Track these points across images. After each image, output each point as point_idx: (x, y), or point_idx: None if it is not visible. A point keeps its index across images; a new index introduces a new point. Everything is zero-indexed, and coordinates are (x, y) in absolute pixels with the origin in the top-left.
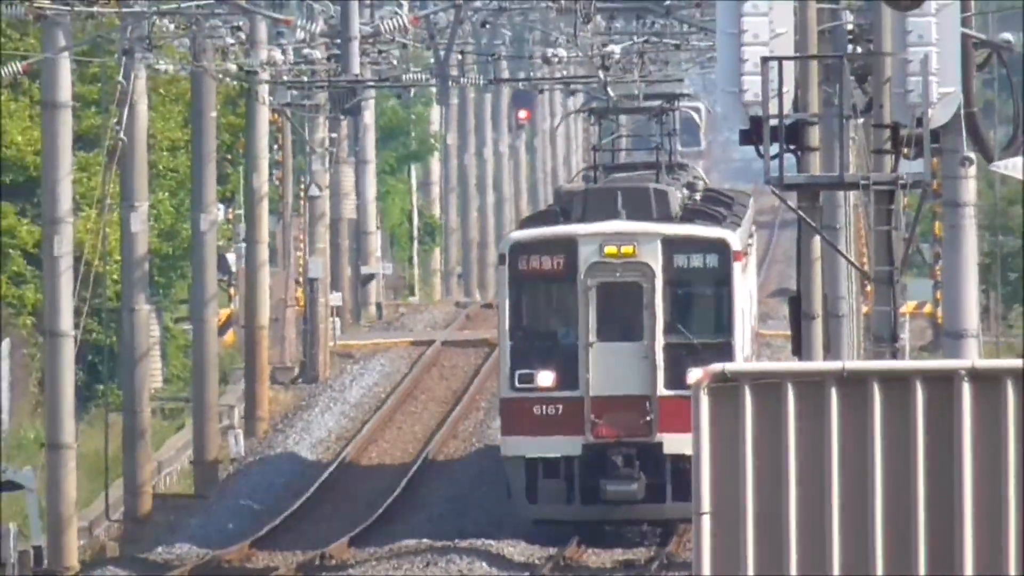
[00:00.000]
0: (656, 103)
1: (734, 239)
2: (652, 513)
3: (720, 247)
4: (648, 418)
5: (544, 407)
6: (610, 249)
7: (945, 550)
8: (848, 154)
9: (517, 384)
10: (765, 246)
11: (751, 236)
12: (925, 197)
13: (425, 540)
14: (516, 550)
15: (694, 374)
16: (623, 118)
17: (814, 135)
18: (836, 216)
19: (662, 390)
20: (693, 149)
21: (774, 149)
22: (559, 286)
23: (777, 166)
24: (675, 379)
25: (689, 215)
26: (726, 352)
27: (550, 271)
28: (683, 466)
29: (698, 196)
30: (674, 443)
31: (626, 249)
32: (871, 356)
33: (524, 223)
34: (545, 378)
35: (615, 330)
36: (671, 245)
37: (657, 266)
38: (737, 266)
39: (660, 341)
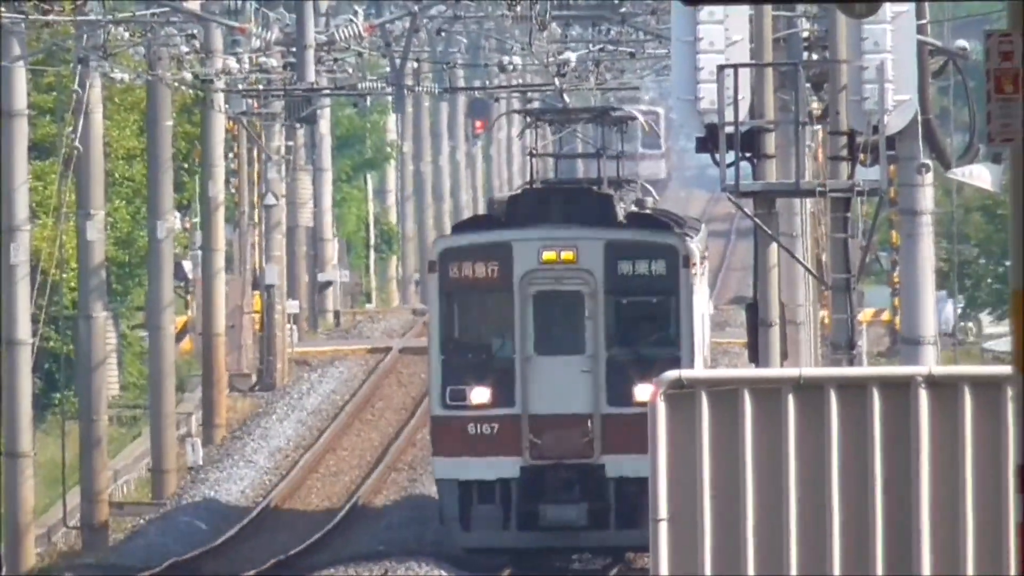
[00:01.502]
0: (600, 108)
1: (683, 245)
2: (595, 540)
3: (668, 253)
4: (590, 438)
5: (478, 426)
6: (548, 255)
7: (903, 554)
8: (804, 161)
9: (449, 401)
10: (721, 255)
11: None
12: (881, 204)
13: (377, 551)
14: (476, 557)
15: (641, 390)
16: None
17: (770, 142)
18: (793, 223)
19: (605, 407)
20: (655, 152)
21: (730, 157)
22: (493, 295)
23: (733, 173)
24: (619, 395)
25: (635, 220)
26: (674, 367)
27: (483, 279)
28: (628, 490)
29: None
30: (618, 465)
31: (566, 255)
32: (829, 363)
33: (456, 228)
34: (479, 394)
35: (554, 342)
36: (615, 250)
37: (600, 273)
38: (686, 273)
39: (603, 354)
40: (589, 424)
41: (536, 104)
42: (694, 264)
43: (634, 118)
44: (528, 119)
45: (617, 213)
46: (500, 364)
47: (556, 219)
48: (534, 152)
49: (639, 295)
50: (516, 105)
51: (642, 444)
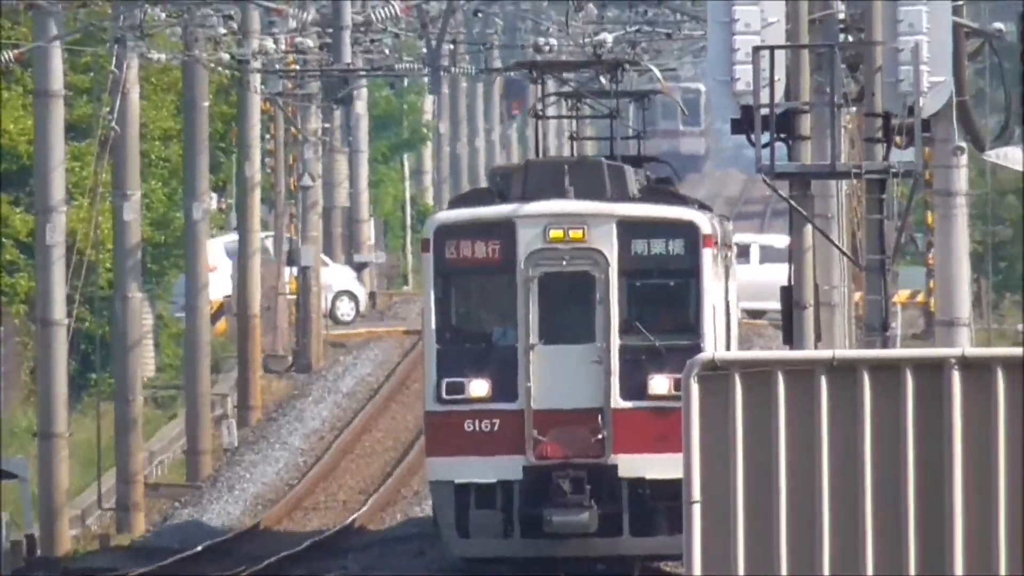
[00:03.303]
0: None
1: (703, 222)
2: (606, 548)
3: (686, 231)
4: (600, 435)
5: (477, 422)
6: (555, 233)
7: (935, 537)
8: (840, 143)
9: (444, 395)
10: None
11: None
12: (916, 186)
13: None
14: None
15: (657, 382)
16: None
17: (805, 124)
18: (828, 205)
19: (618, 402)
20: (694, 129)
21: (765, 138)
22: (494, 278)
23: (768, 155)
24: (633, 388)
25: (650, 195)
26: (693, 355)
27: (483, 260)
28: (642, 492)
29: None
30: (632, 465)
31: (574, 233)
32: (863, 345)
33: (453, 203)
34: (478, 387)
35: (562, 330)
36: (628, 228)
37: (612, 253)
38: (707, 253)
39: (615, 343)
40: (599, 420)
41: (572, 87)
42: (716, 243)
43: (656, 92)
44: (534, 74)
45: (631, 186)
46: (501, 354)
47: (564, 193)
48: (539, 114)
49: (655, 277)
50: (552, 87)
51: (658, 442)
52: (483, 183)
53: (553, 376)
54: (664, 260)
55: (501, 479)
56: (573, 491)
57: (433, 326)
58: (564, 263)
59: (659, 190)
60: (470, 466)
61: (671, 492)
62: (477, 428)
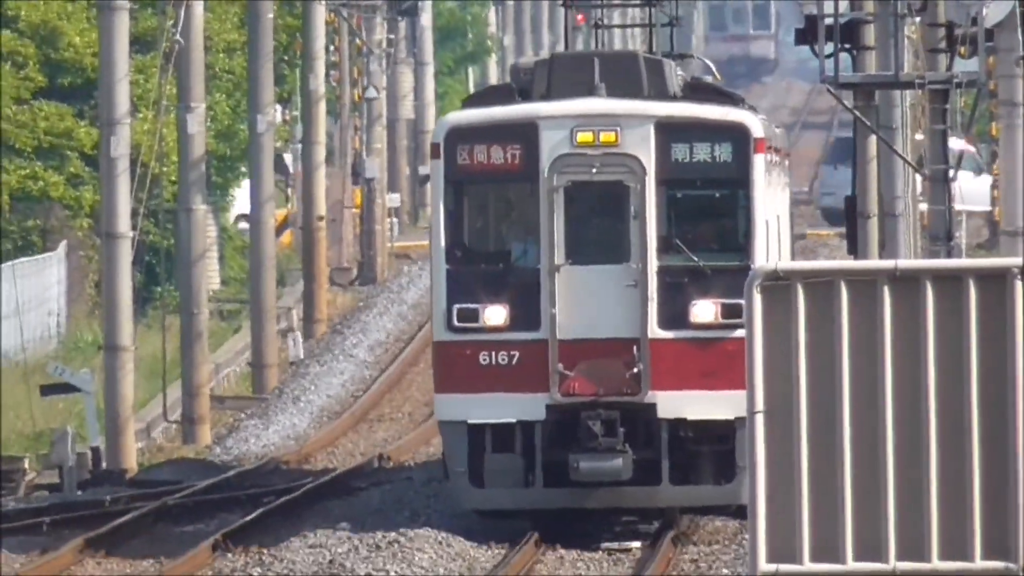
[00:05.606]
0: None
1: (754, 123)
2: (642, 499)
3: (735, 134)
4: (636, 370)
5: (493, 354)
6: (584, 136)
7: (999, 444)
8: (903, 53)
9: (456, 323)
10: (822, 147)
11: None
12: (980, 96)
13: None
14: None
15: (701, 309)
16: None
17: (869, 34)
18: (892, 115)
19: (655, 331)
20: (765, 33)
21: (829, 48)
22: (514, 188)
23: (833, 65)
24: (673, 315)
25: (693, 93)
26: (743, 279)
27: (501, 167)
28: (683, 435)
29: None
30: (671, 404)
31: (606, 136)
32: (926, 255)
33: (468, 102)
34: (495, 314)
35: (591, 248)
36: (668, 131)
37: (649, 159)
38: (759, 160)
39: (653, 263)
40: (635, 352)
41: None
42: (769, 148)
43: None
44: None
45: (671, 83)
46: (521, 276)
47: (595, 90)
48: (568, 2)
49: (699, 188)
50: None
51: (702, 378)
52: None
53: (581, 301)
54: (709, 168)
55: (521, 419)
56: (604, 433)
57: (442, 243)
58: (594, 171)
59: (703, 87)
60: (486, 404)
61: (716, 434)
62: (493, 361)
